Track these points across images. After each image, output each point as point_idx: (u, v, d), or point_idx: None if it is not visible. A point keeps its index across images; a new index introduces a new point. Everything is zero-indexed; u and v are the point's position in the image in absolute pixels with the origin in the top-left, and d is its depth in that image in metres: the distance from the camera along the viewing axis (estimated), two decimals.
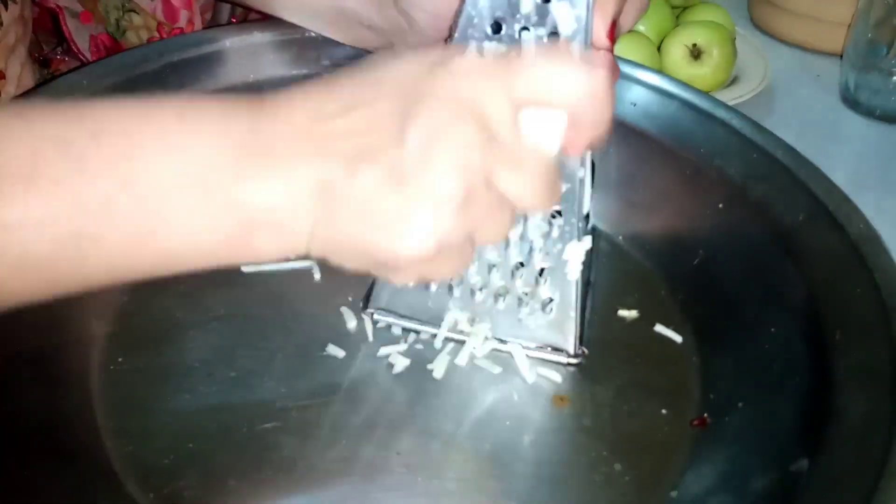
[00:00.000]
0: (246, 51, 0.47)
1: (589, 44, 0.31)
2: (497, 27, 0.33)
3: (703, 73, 0.64)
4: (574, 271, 0.37)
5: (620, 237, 0.47)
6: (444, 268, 0.28)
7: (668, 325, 0.42)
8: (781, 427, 0.34)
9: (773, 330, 0.38)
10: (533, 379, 0.39)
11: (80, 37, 0.50)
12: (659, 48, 0.66)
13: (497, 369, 0.39)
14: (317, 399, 0.37)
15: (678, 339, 0.42)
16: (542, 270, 0.38)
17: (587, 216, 0.36)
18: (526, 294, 0.39)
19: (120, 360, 0.37)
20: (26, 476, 0.31)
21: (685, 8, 0.71)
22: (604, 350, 0.41)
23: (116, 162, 0.25)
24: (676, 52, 0.64)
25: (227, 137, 0.25)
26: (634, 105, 0.47)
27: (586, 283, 0.41)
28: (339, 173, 0.25)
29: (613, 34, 0.33)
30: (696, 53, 0.64)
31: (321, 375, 0.38)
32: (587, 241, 0.36)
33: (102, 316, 0.39)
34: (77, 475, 0.32)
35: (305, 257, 0.27)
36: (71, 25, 0.49)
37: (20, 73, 0.46)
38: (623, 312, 0.43)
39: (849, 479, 0.29)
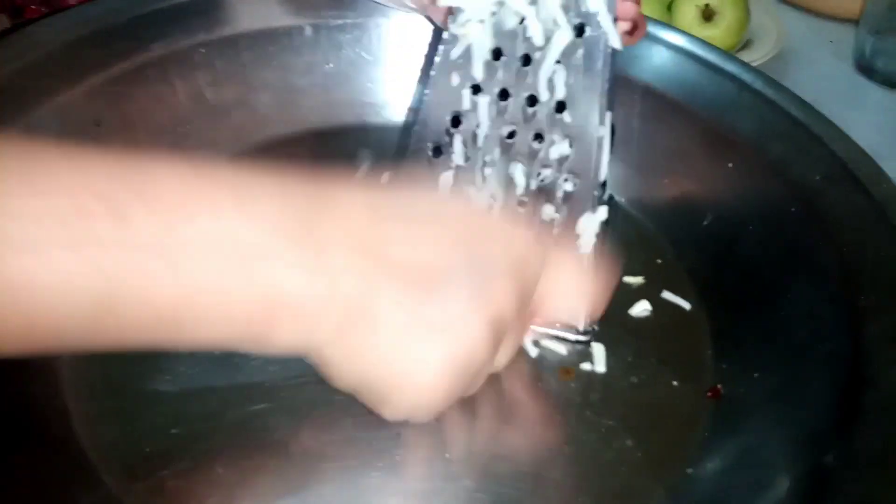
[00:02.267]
0: (220, 3, 0.43)
1: None
2: None
3: (715, 34, 0.62)
4: (587, 244, 0.34)
5: (623, 199, 0.45)
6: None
7: (675, 292, 0.40)
8: (805, 398, 0.32)
9: (791, 295, 0.36)
10: (536, 352, 0.37)
11: None
12: (669, 8, 0.64)
13: None
14: (310, 377, 0.34)
15: (687, 305, 0.40)
16: None
17: (604, 184, 0.34)
18: None
19: None
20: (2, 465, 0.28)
21: None
22: (609, 318, 0.38)
23: (160, 231, 0.23)
24: (688, 12, 0.63)
25: (280, 226, 0.25)
26: (638, 58, 0.45)
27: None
28: (383, 298, 0.26)
29: None
30: (707, 15, 0.63)
31: None
32: (602, 212, 0.34)
33: None
34: (49, 467, 0.29)
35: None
36: None
37: None
38: (628, 279, 0.41)
39: (886, 455, 0.27)
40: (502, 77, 0.32)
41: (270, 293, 0.25)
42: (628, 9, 0.33)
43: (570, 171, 0.34)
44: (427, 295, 0.26)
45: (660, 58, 0.44)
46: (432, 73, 0.33)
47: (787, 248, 0.37)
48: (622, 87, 0.43)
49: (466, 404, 0.35)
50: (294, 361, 0.34)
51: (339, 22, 0.46)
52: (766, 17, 0.67)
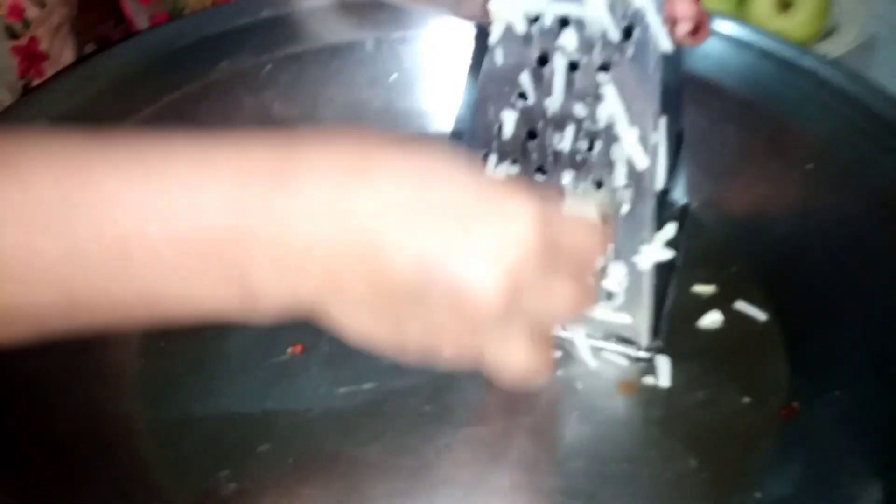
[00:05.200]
0: (284, 21, 0.45)
1: None
2: None
3: (794, 25, 0.58)
4: (646, 261, 0.32)
5: (694, 204, 0.43)
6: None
7: (750, 302, 0.38)
8: (884, 420, 0.30)
9: (872, 308, 0.33)
10: (595, 364, 0.36)
11: (140, 18, 0.49)
12: None
13: (556, 353, 0.36)
14: (362, 387, 0.34)
15: (762, 316, 0.37)
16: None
17: (665, 192, 0.32)
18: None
19: (161, 344, 0.36)
20: (62, 471, 0.30)
21: None
22: (677, 330, 0.37)
23: (114, 239, 0.22)
24: (763, 2, 0.59)
25: (241, 213, 0.22)
26: (706, 57, 0.42)
27: (669, 268, 0.36)
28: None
29: None
30: (784, 3, 0.58)
31: (366, 362, 0.35)
32: (669, 230, 0.32)
33: None
34: (113, 469, 0.31)
35: None
36: (132, 7, 0.49)
37: (61, 54, 0.45)
38: (698, 288, 0.39)
39: None
40: (550, 85, 0.32)
41: (242, 287, 0.23)
42: (686, 8, 0.31)
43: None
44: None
45: (729, 55, 0.42)
46: (480, 80, 0.32)
47: (864, 257, 0.34)
48: (695, 87, 0.41)
49: (519, 416, 0.34)
50: (347, 372, 0.35)
51: (400, 34, 0.46)
52: (852, 1, 0.63)
